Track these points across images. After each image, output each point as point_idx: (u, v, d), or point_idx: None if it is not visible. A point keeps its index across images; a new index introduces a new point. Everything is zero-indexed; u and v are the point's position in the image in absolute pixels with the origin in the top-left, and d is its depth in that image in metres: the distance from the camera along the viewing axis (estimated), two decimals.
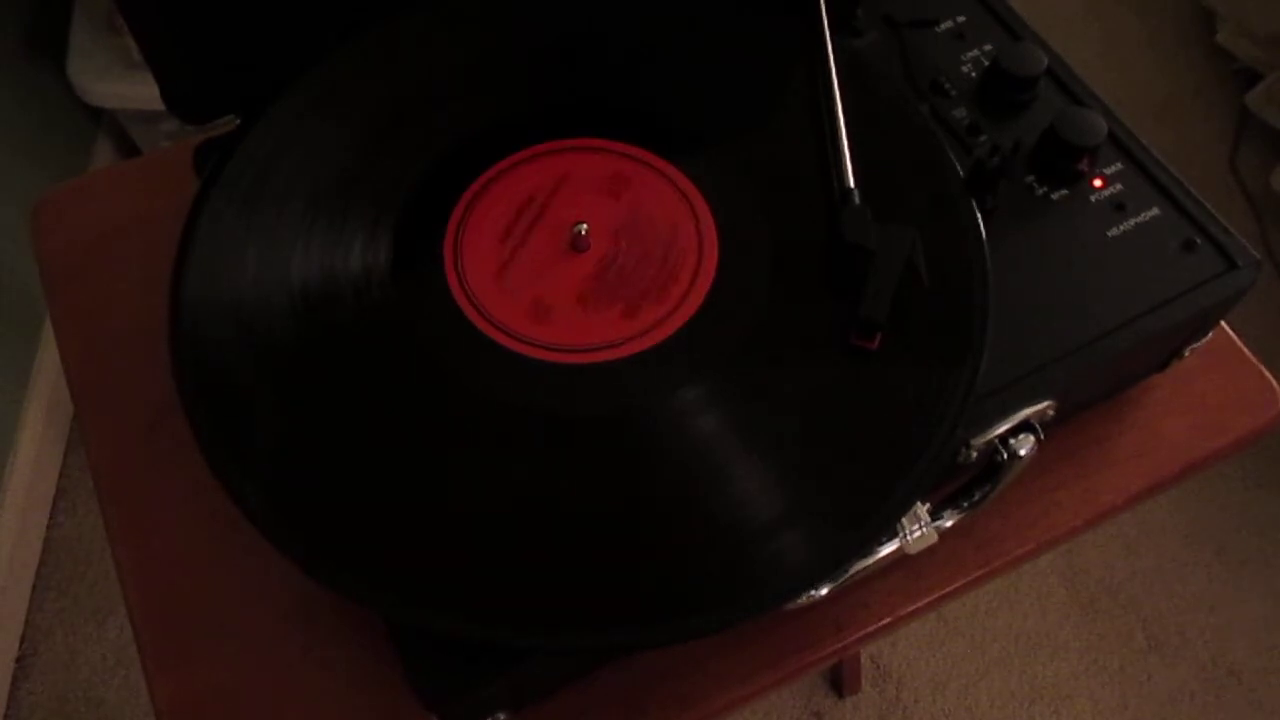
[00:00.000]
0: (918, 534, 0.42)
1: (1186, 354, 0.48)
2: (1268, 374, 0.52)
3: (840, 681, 1.12)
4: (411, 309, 0.42)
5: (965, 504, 0.44)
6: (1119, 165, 0.46)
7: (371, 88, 0.47)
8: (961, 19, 0.50)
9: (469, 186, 0.45)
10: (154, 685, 0.44)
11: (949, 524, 0.43)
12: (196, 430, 0.39)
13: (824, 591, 0.41)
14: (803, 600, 0.41)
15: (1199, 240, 0.45)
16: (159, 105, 0.47)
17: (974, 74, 0.49)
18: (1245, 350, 0.52)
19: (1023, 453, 0.43)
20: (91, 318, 0.53)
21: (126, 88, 1.20)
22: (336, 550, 0.37)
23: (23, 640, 1.13)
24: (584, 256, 0.43)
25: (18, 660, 1.12)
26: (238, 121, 0.47)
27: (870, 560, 0.42)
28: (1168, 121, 1.53)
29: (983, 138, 0.47)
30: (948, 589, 0.47)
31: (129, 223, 0.55)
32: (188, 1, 0.44)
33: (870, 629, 0.46)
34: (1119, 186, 0.46)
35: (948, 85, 0.48)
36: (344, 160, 0.45)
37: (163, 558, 0.46)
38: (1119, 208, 0.45)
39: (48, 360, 1.21)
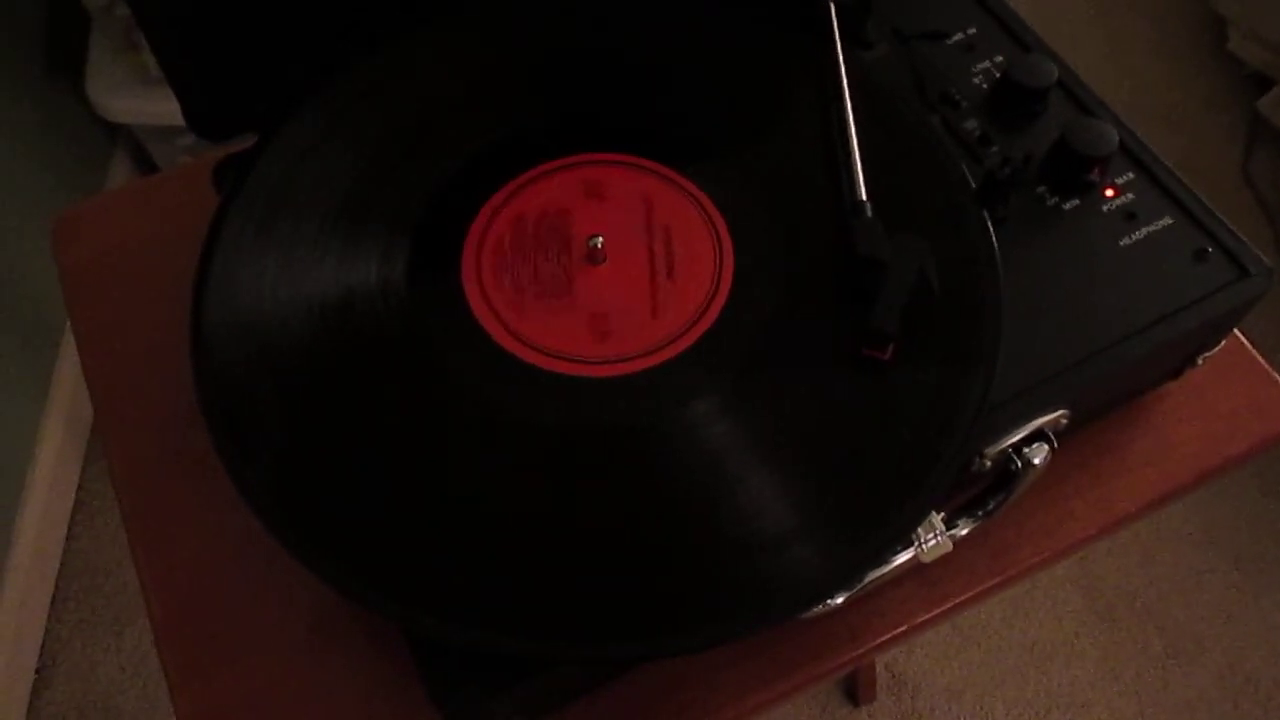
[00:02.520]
0: (933, 543, 0.42)
1: (1200, 362, 0.48)
2: None
3: (855, 690, 1.12)
4: (429, 322, 0.42)
5: (979, 513, 0.44)
6: (1130, 175, 0.47)
7: (387, 104, 0.48)
8: (971, 31, 0.51)
9: (489, 200, 0.45)
10: (176, 697, 0.44)
11: (963, 533, 0.44)
12: (218, 444, 0.39)
13: (839, 600, 0.41)
14: (818, 609, 0.41)
15: (1211, 249, 0.45)
16: (176, 121, 0.48)
17: (984, 85, 0.49)
18: (1259, 357, 0.52)
19: (1036, 462, 0.43)
20: (114, 332, 0.53)
21: (143, 104, 1.22)
22: (355, 561, 0.38)
23: (42, 651, 1.14)
24: (602, 269, 0.44)
25: (37, 671, 1.13)
26: (256, 139, 0.47)
27: (885, 569, 0.42)
28: (1179, 128, 1.53)
29: (993, 149, 0.47)
30: (962, 597, 0.47)
31: (150, 238, 0.56)
32: (208, 21, 0.45)
33: (885, 637, 0.47)
34: (1130, 196, 0.46)
35: (958, 97, 0.48)
36: (361, 176, 0.46)
37: (185, 570, 0.47)
38: (1130, 217, 0.46)
39: (66, 374, 1.22)
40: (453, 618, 0.36)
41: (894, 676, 1.15)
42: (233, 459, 0.39)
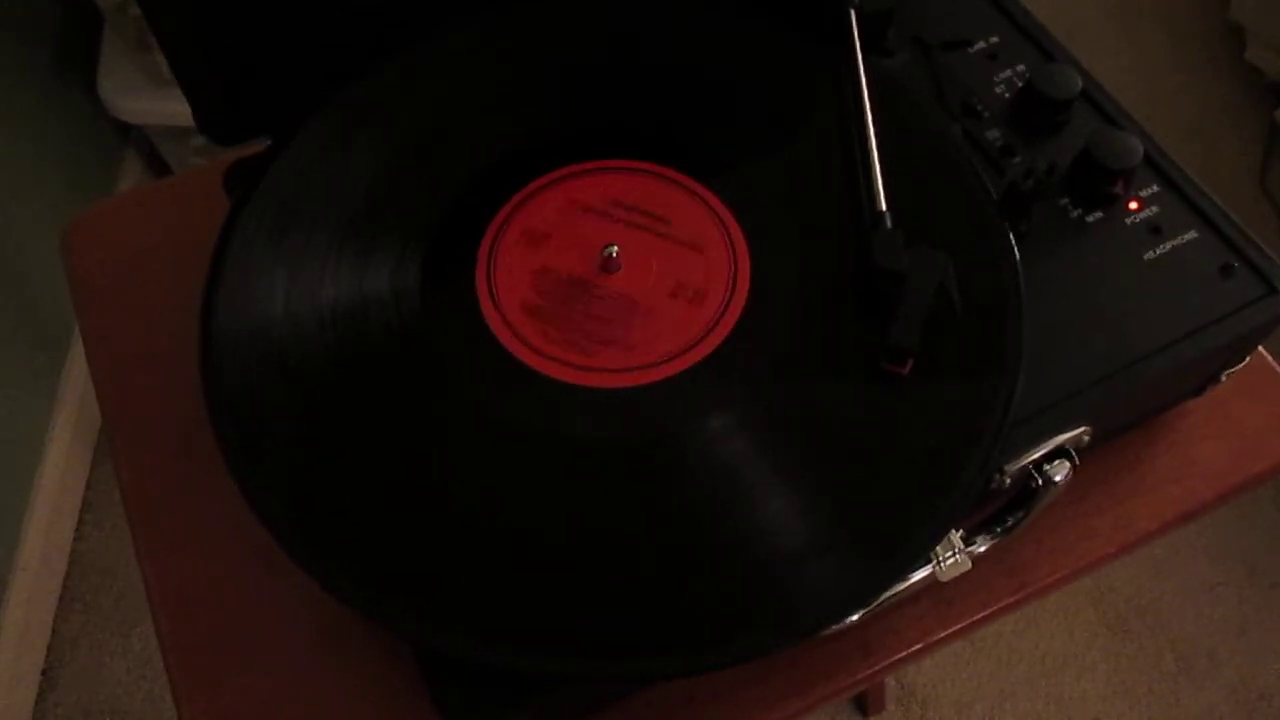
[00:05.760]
0: (951, 560, 0.41)
1: (1223, 378, 0.47)
2: None
3: (865, 702, 1.12)
4: (443, 332, 0.42)
5: (999, 530, 0.43)
6: (1155, 188, 0.46)
7: (402, 109, 0.48)
8: (994, 40, 0.50)
9: (504, 206, 0.45)
10: (183, 706, 0.44)
11: (982, 550, 0.43)
12: (226, 451, 0.39)
13: (855, 617, 0.41)
14: (833, 626, 0.40)
15: (1237, 264, 0.44)
16: (188, 122, 0.48)
17: (1007, 95, 0.48)
18: None
19: (1057, 479, 0.42)
20: (123, 337, 0.53)
21: (156, 104, 1.21)
22: (364, 573, 0.37)
23: (49, 652, 1.14)
24: (616, 278, 0.43)
25: (44, 672, 1.13)
26: (269, 143, 0.47)
27: (903, 586, 0.41)
28: (1197, 139, 1.52)
29: (1016, 159, 0.46)
30: (979, 615, 0.47)
31: (160, 243, 0.56)
32: (219, 24, 0.45)
33: (900, 655, 0.46)
34: (1155, 209, 0.45)
35: (980, 107, 0.48)
36: (374, 181, 0.45)
37: (192, 579, 0.46)
38: (1155, 230, 0.45)
39: (75, 374, 1.22)
40: (464, 634, 0.35)
41: (904, 688, 1.14)
42: (242, 469, 0.39)
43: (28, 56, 1.19)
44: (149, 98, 1.21)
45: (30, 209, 1.15)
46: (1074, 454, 0.42)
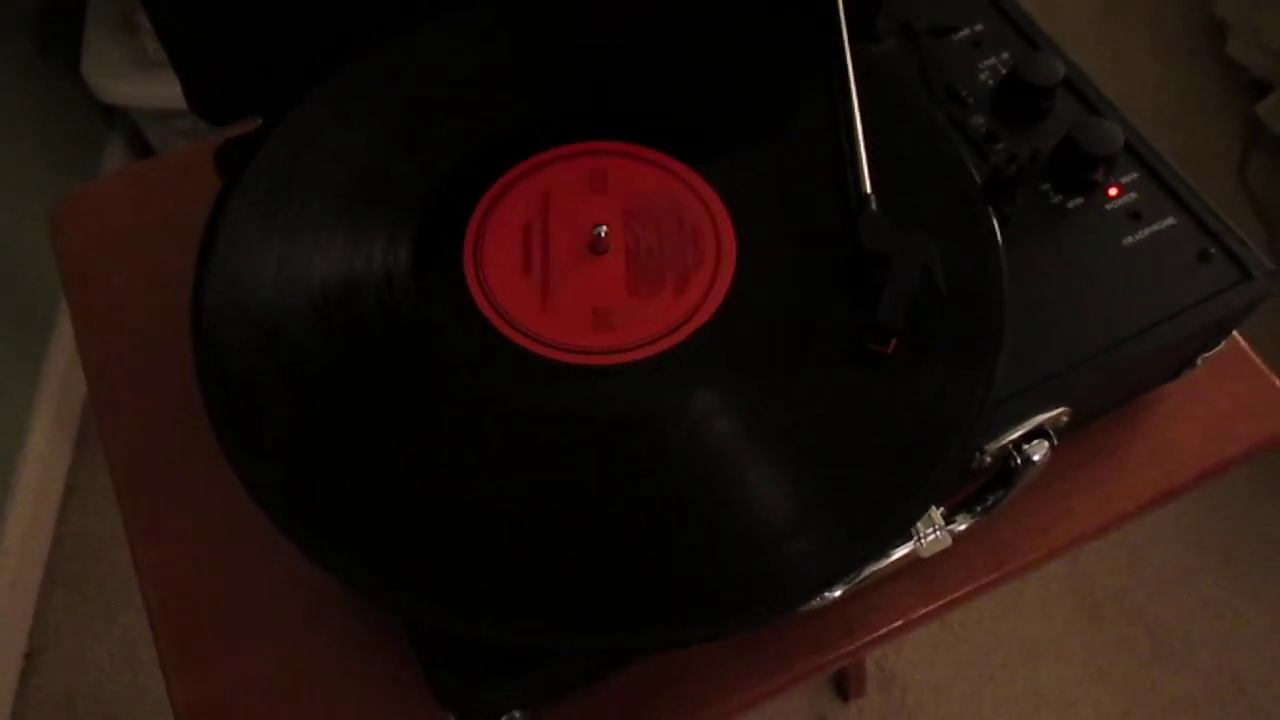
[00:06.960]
0: (932, 538, 0.42)
1: (1199, 363, 0.48)
2: (1279, 383, 0.52)
3: (845, 685, 1.13)
4: (431, 310, 0.42)
5: (979, 509, 0.44)
6: (1135, 175, 0.47)
7: (394, 90, 0.48)
8: (979, 27, 0.51)
9: (493, 185, 0.45)
10: (172, 685, 0.44)
11: (962, 528, 0.44)
12: (217, 428, 0.39)
13: (837, 593, 0.41)
14: (815, 602, 0.41)
15: (1214, 250, 0.45)
16: (173, 104, 0.48)
17: (991, 82, 0.49)
18: (1257, 359, 0.52)
19: (1036, 459, 0.43)
20: (112, 318, 0.53)
21: (141, 86, 1.21)
22: (354, 548, 0.37)
23: (31, 636, 1.14)
24: (605, 258, 0.44)
25: (26, 656, 1.13)
26: (260, 122, 0.47)
27: (884, 563, 0.42)
28: (1178, 131, 1.53)
29: (999, 145, 0.47)
30: (959, 593, 0.47)
31: (149, 223, 0.56)
32: (212, 3, 0.45)
33: (881, 632, 0.47)
34: (1135, 196, 0.46)
35: (965, 93, 0.48)
36: (365, 162, 0.46)
37: (182, 558, 0.47)
38: (1134, 217, 0.46)
39: (58, 358, 1.21)
40: (457, 611, 0.36)
41: (884, 672, 1.15)
42: (234, 448, 0.39)
43: (11, 38, 1.18)
44: (133, 80, 1.21)
45: (12, 192, 1.14)
46: (1052, 435, 0.43)
